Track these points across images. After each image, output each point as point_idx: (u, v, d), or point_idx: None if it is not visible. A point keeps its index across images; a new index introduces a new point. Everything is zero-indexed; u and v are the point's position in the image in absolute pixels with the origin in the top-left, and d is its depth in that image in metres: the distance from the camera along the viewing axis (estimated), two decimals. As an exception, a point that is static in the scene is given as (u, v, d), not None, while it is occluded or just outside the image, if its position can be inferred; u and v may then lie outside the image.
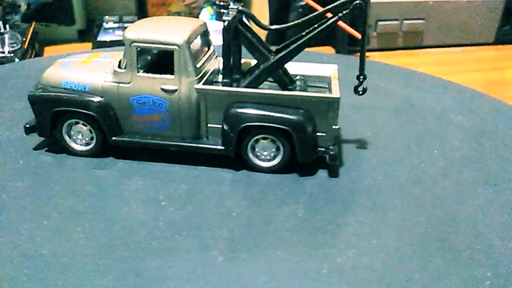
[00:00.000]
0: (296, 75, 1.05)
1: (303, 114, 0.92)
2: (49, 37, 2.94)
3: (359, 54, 0.98)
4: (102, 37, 2.56)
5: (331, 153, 0.97)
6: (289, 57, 0.96)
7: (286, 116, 0.92)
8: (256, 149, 0.99)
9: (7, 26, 2.46)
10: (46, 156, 1.06)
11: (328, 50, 2.92)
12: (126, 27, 2.87)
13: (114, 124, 1.00)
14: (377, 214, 0.88)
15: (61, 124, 1.03)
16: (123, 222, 0.85)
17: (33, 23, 2.72)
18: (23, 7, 2.77)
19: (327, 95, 0.96)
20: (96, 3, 3.32)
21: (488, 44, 3.53)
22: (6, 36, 2.35)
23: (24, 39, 2.47)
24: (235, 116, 0.93)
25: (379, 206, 0.90)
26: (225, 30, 0.92)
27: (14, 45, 2.36)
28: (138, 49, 0.96)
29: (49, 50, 2.83)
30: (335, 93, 0.95)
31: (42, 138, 1.08)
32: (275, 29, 0.97)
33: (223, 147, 0.97)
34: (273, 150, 0.98)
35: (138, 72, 0.97)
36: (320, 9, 2.37)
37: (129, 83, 0.97)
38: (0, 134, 1.12)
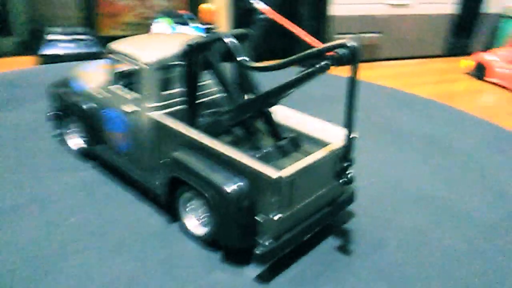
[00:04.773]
0: (293, 131, 0.83)
1: (240, 184, 0.69)
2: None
3: (345, 128, 0.68)
4: (46, 51, 2.34)
5: (258, 251, 0.68)
6: (255, 105, 0.76)
7: (212, 178, 0.70)
8: (189, 207, 0.78)
9: None
10: (52, 144, 1.08)
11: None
12: (72, 40, 2.64)
13: (93, 132, 0.95)
14: None
15: (63, 119, 1.03)
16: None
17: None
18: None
19: (265, 171, 0.67)
20: (40, 12, 3.06)
21: (439, 56, 3.65)
22: None
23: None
24: (171, 162, 0.77)
25: None
26: (183, 57, 0.76)
27: None
28: (115, 62, 0.88)
29: (-20, 65, 2.56)
30: (284, 172, 0.67)
31: None
32: (253, 67, 0.76)
33: (160, 192, 0.81)
34: (203, 216, 0.76)
35: (112, 84, 0.89)
36: (314, 44, 2.34)
37: (104, 95, 0.91)
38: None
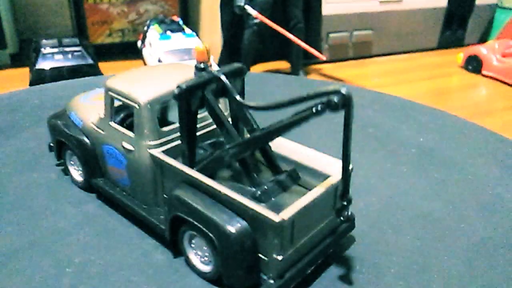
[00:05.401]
0: (292, 163, 0.85)
1: (241, 224, 0.71)
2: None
3: (342, 169, 0.71)
4: (41, 64, 2.34)
5: None
6: (256, 144, 0.78)
7: (215, 218, 0.71)
8: (193, 244, 0.80)
9: None
10: (54, 174, 1.11)
11: (284, 65, 2.87)
12: (66, 52, 2.63)
13: (93, 167, 0.98)
14: None
15: (64, 151, 1.05)
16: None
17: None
18: None
19: (267, 214, 0.68)
20: (28, 22, 3.04)
21: (432, 49, 3.66)
22: None
23: None
24: (172, 200, 0.79)
25: None
26: (177, 99, 0.76)
27: None
28: (113, 99, 0.89)
29: (-22, 79, 2.56)
30: (285, 214, 0.68)
31: None
32: (250, 106, 0.78)
33: (164, 227, 0.83)
34: (207, 254, 0.78)
35: (111, 121, 0.91)
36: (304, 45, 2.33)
37: (103, 130, 0.93)
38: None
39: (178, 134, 0.84)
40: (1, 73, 2.83)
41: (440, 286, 0.79)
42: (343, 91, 0.63)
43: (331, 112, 0.65)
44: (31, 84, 2.32)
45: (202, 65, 0.80)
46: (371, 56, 3.43)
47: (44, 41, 2.54)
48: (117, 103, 0.91)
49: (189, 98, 0.77)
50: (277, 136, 0.75)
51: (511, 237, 0.92)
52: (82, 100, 1.05)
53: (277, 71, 2.91)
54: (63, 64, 2.45)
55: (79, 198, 1.01)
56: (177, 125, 0.85)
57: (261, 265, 0.72)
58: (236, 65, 0.84)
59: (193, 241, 0.80)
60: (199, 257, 0.79)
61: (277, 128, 0.72)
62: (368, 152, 1.23)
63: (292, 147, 0.88)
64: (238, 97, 0.78)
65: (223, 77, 0.79)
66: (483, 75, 3.02)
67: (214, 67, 2.46)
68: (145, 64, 2.94)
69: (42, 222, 0.94)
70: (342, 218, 0.73)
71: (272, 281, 0.71)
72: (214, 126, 0.92)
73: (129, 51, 3.22)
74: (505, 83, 2.75)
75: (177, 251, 0.84)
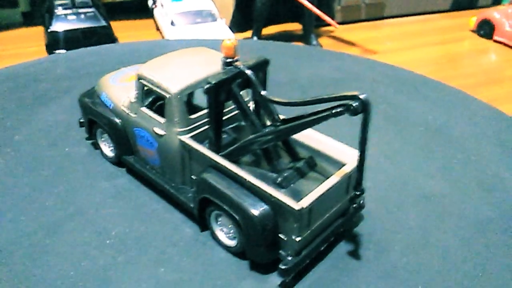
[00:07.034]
0: (309, 149, 0.93)
1: (264, 208, 0.80)
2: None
3: (357, 164, 0.78)
4: (55, 26, 2.36)
5: (283, 267, 0.79)
6: (278, 137, 0.85)
7: (241, 202, 0.80)
8: (219, 222, 0.90)
9: None
10: (85, 148, 1.19)
11: (295, 27, 2.87)
12: (79, 13, 2.64)
13: (124, 145, 1.06)
14: None
15: (95, 128, 1.13)
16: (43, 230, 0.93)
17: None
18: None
19: (289, 202, 0.77)
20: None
21: (445, 11, 3.60)
22: None
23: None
24: (200, 183, 0.88)
25: None
26: (207, 93, 0.83)
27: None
28: (144, 86, 0.96)
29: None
30: (304, 202, 0.76)
31: None
32: (274, 101, 0.85)
33: (192, 206, 0.93)
34: (232, 231, 0.87)
35: (142, 106, 0.99)
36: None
37: (135, 114, 1.01)
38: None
39: (204, 120, 0.92)
40: (15, 32, 2.86)
41: (439, 263, 0.89)
42: (362, 97, 0.69)
43: (350, 115, 0.71)
44: (47, 47, 2.35)
45: (229, 60, 0.85)
46: (384, 18, 3.40)
47: (57, 1, 2.54)
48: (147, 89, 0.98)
49: (218, 92, 0.83)
50: (299, 131, 0.83)
51: (507, 218, 1.01)
52: (111, 81, 1.11)
53: (288, 34, 2.92)
54: (77, 26, 2.47)
55: (111, 172, 1.10)
56: (203, 112, 0.93)
57: (281, 243, 0.82)
58: (261, 58, 0.89)
59: (219, 219, 0.89)
60: (225, 233, 0.89)
61: (299, 124, 0.79)
62: (379, 130, 1.30)
63: (309, 134, 0.95)
64: (263, 92, 0.85)
65: (248, 72, 0.85)
66: (495, 41, 3.00)
67: (227, 30, 2.47)
68: (156, 24, 2.95)
69: (79, 195, 1.03)
70: (355, 205, 0.81)
71: (290, 258, 0.81)
72: (236, 112, 0.99)
73: (139, 10, 3.20)
74: (517, 50, 2.72)
75: (204, 226, 0.94)
